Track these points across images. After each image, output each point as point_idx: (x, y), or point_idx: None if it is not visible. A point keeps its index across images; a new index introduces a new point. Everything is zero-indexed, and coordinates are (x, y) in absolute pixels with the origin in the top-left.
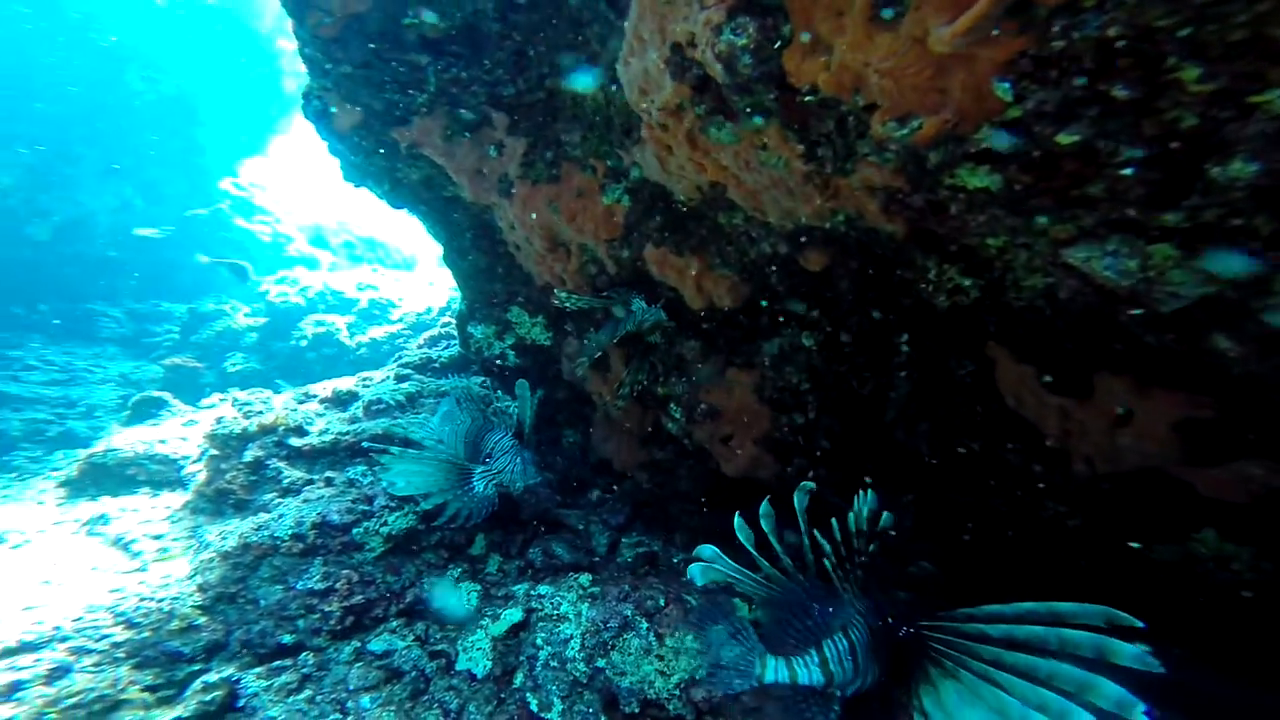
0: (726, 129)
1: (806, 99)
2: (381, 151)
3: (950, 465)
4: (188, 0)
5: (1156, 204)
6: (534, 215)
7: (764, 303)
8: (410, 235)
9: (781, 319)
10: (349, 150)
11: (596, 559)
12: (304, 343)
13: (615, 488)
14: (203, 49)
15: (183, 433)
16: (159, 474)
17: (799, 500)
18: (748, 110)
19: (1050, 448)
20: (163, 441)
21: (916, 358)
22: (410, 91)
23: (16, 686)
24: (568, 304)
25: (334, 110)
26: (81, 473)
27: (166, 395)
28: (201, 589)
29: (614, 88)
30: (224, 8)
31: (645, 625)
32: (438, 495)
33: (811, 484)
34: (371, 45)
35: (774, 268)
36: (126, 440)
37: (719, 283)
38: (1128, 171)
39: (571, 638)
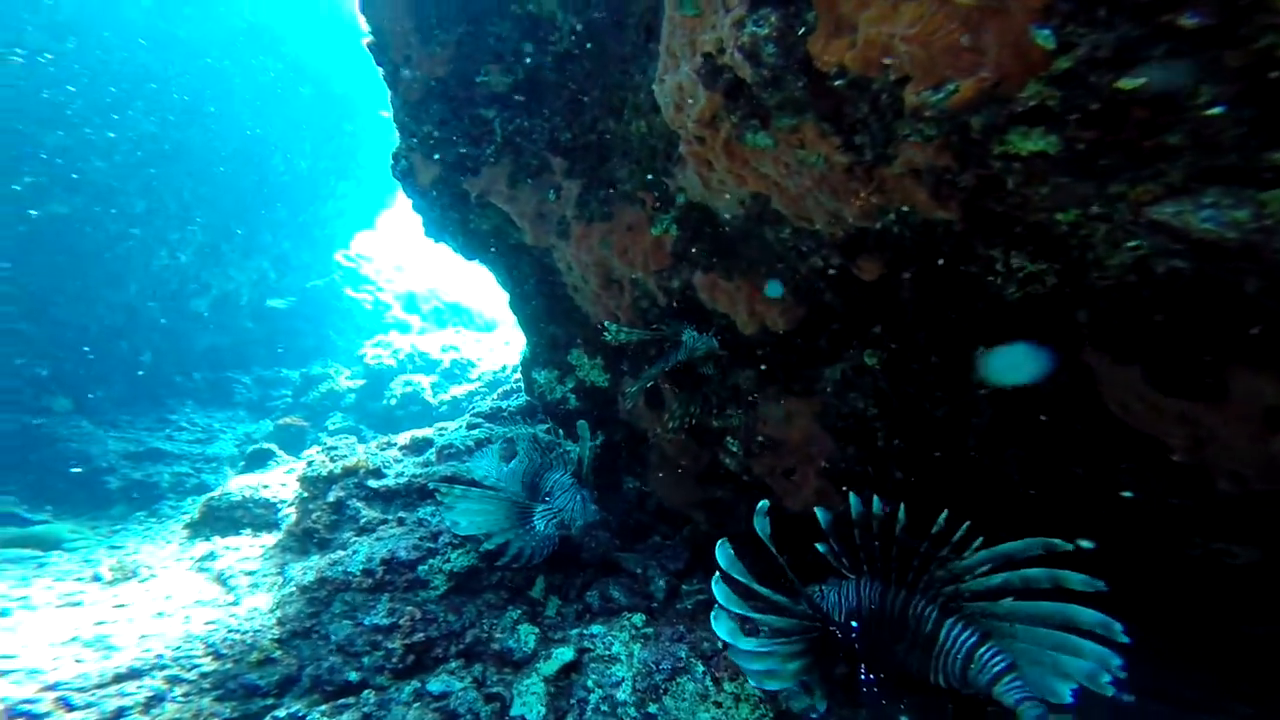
0: (762, 134)
1: (836, 83)
2: (455, 204)
3: (1052, 494)
4: (325, 91)
5: (1260, 143)
6: (588, 254)
7: (820, 323)
8: (491, 299)
9: (841, 339)
10: (428, 205)
11: (654, 604)
12: (393, 401)
13: (676, 533)
14: (331, 134)
15: (283, 479)
16: (260, 517)
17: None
18: (780, 108)
19: (1179, 464)
20: (265, 487)
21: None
22: (480, 144)
23: (121, 713)
24: (619, 338)
25: (416, 168)
26: (200, 516)
27: (274, 447)
28: (280, 622)
29: (657, 116)
30: (349, 95)
31: (701, 669)
32: (499, 534)
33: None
34: (448, 104)
35: (827, 283)
36: (235, 486)
37: (771, 305)
38: (1215, 111)
39: (623, 680)
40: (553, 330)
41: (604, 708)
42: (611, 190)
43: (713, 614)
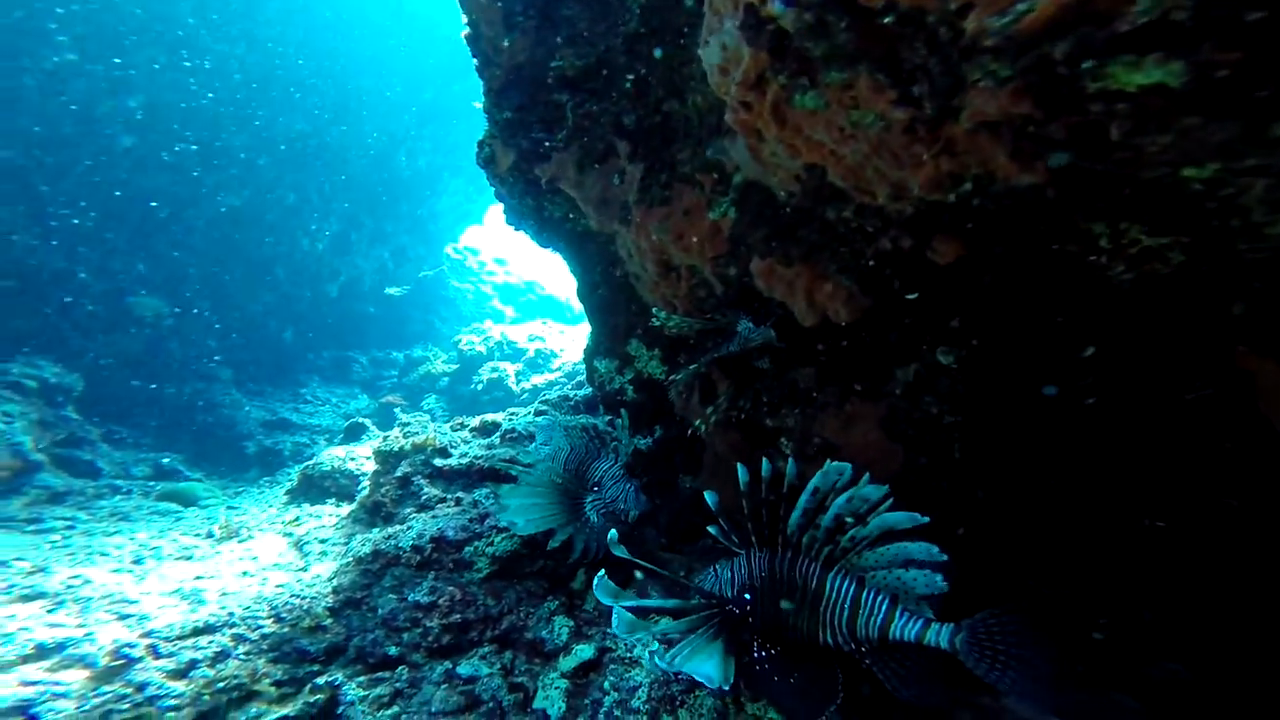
0: (812, 93)
1: (885, 20)
2: (529, 190)
3: (1189, 531)
4: (444, 92)
5: None
6: (646, 240)
7: (889, 315)
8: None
9: (913, 333)
10: (507, 193)
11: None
12: (480, 387)
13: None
14: (448, 132)
15: (368, 453)
16: (345, 488)
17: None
18: (827, 60)
19: None
20: (352, 459)
21: (1111, 377)
22: (552, 129)
23: (193, 664)
24: (669, 326)
25: (496, 155)
26: (299, 484)
27: (368, 421)
28: (335, 591)
29: (710, 86)
30: (465, 95)
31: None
32: (560, 531)
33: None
34: (525, 91)
35: (897, 268)
36: (327, 457)
37: (834, 293)
38: None
39: (640, 686)
40: (614, 320)
41: (617, 713)
42: (672, 172)
43: (616, 624)
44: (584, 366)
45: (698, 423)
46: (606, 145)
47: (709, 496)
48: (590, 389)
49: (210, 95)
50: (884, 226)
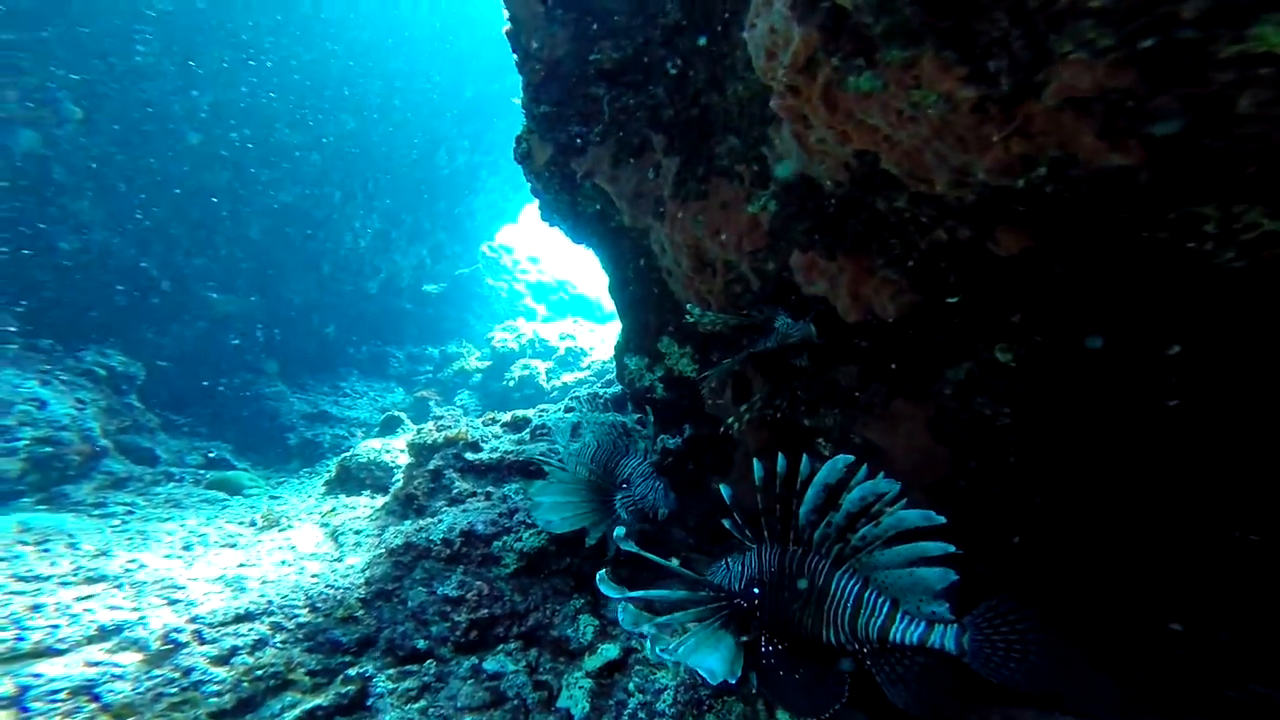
0: (867, 75)
1: None
2: (565, 185)
3: None
4: (483, 91)
5: None
6: (681, 234)
7: (940, 310)
8: (607, 295)
9: (967, 330)
10: (543, 188)
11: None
12: (511, 384)
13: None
14: (485, 130)
15: (403, 445)
16: (380, 479)
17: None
18: (889, 36)
19: None
20: (387, 451)
21: (1201, 376)
22: (589, 123)
23: (234, 651)
24: (704, 322)
25: (533, 150)
26: (336, 475)
27: (404, 415)
28: (368, 582)
29: (754, 74)
30: (504, 93)
31: (755, 687)
32: (594, 530)
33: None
34: (563, 84)
35: (952, 261)
36: (364, 449)
37: (880, 288)
38: None
39: (666, 689)
40: (645, 316)
41: (641, 715)
42: (710, 165)
43: (622, 618)
44: (614, 364)
45: (730, 421)
46: (642, 139)
47: (724, 490)
48: (620, 386)
49: (271, 95)
50: (940, 216)
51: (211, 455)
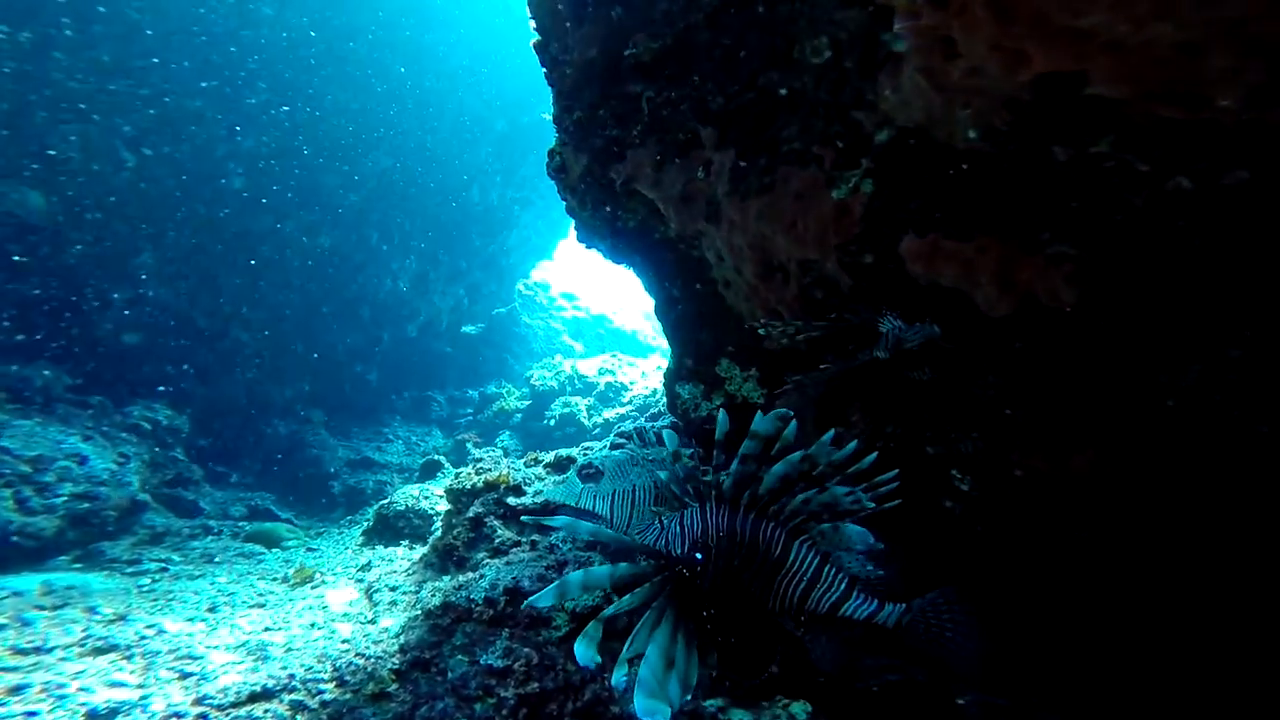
0: None
1: None
2: (603, 198)
3: None
4: (515, 124)
5: None
6: (743, 235)
7: (1151, 292)
8: (647, 324)
9: (1194, 319)
10: (578, 204)
11: (822, 676)
12: (552, 422)
13: None
14: (517, 165)
15: (441, 492)
16: (419, 528)
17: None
18: None
19: None
20: (426, 498)
21: None
22: (627, 124)
23: None
24: (774, 334)
25: (567, 162)
26: (375, 524)
27: (443, 459)
28: (403, 649)
29: (851, 10)
30: (534, 126)
31: None
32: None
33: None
34: (598, 86)
35: (1197, 218)
36: (402, 497)
37: (1049, 269)
38: None
39: None
40: (699, 337)
41: None
42: (774, 155)
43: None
44: (657, 397)
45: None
46: (689, 135)
47: (667, 435)
48: (669, 418)
49: (308, 138)
50: (1187, 156)
51: (258, 505)
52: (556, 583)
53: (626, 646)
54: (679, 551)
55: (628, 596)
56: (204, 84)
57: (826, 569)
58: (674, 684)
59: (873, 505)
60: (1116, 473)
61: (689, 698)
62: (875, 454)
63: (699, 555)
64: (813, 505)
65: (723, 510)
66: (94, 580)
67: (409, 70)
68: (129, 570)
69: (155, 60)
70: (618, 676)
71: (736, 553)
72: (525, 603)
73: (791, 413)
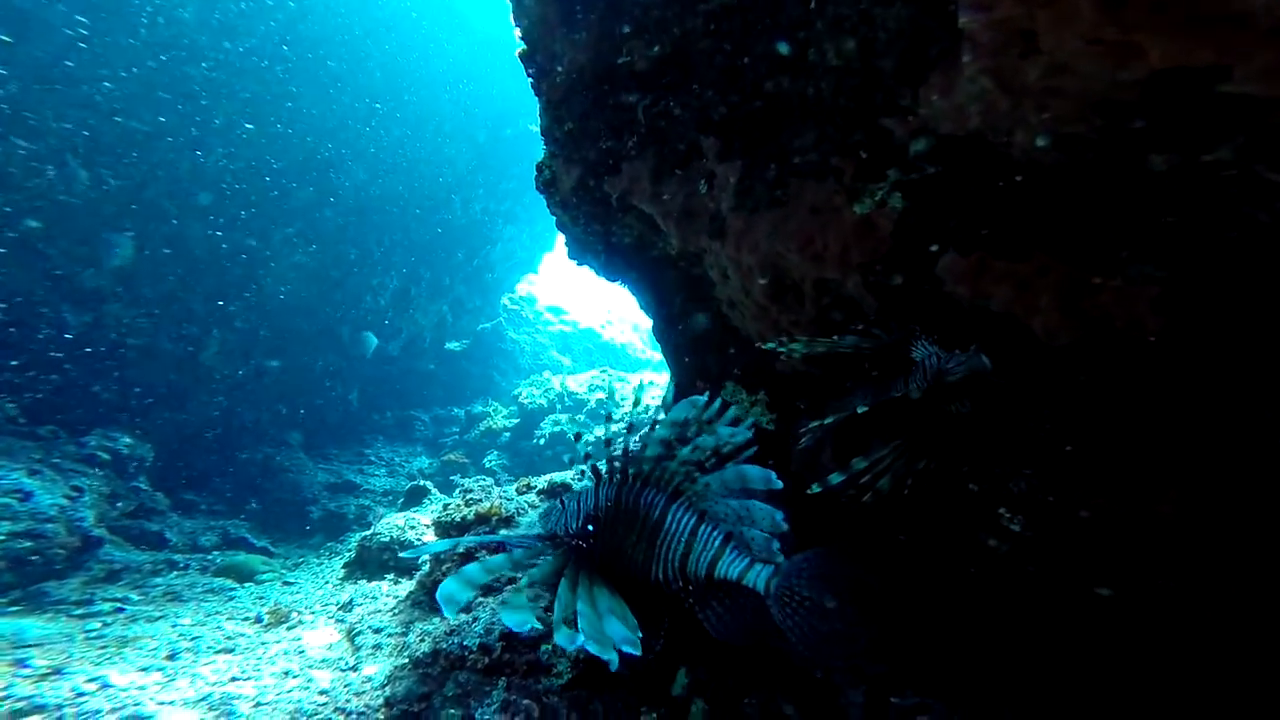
0: None
1: None
2: (596, 213)
3: None
4: (497, 136)
5: None
6: (752, 253)
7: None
8: (637, 337)
9: None
10: (569, 220)
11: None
12: (542, 441)
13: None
14: (500, 177)
15: (428, 521)
16: (404, 561)
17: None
18: None
19: None
20: (412, 528)
21: None
22: (621, 135)
23: None
24: (788, 350)
25: (558, 176)
26: (356, 556)
27: (430, 485)
28: (389, 703)
29: (891, 8)
30: (517, 138)
31: None
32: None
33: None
34: (589, 95)
35: None
36: (385, 527)
37: (1129, 293)
38: None
39: None
40: (701, 360)
41: None
42: (784, 166)
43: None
44: (655, 412)
45: (851, 492)
46: (689, 145)
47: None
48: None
49: (278, 153)
50: None
51: (232, 532)
52: (458, 572)
53: (556, 608)
54: (574, 528)
55: (537, 567)
56: (163, 96)
57: (703, 528)
58: (613, 625)
59: (749, 433)
60: (1212, 518)
61: (638, 631)
62: (736, 408)
63: (590, 528)
64: (694, 456)
65: (612, 484)
66: (30, 626)
67: (386, 82)
68: (77, 613)
69: (106, 72)
70: (559, 637)
71: (620, 521)
72: (438, 595)
73: (720, 401)
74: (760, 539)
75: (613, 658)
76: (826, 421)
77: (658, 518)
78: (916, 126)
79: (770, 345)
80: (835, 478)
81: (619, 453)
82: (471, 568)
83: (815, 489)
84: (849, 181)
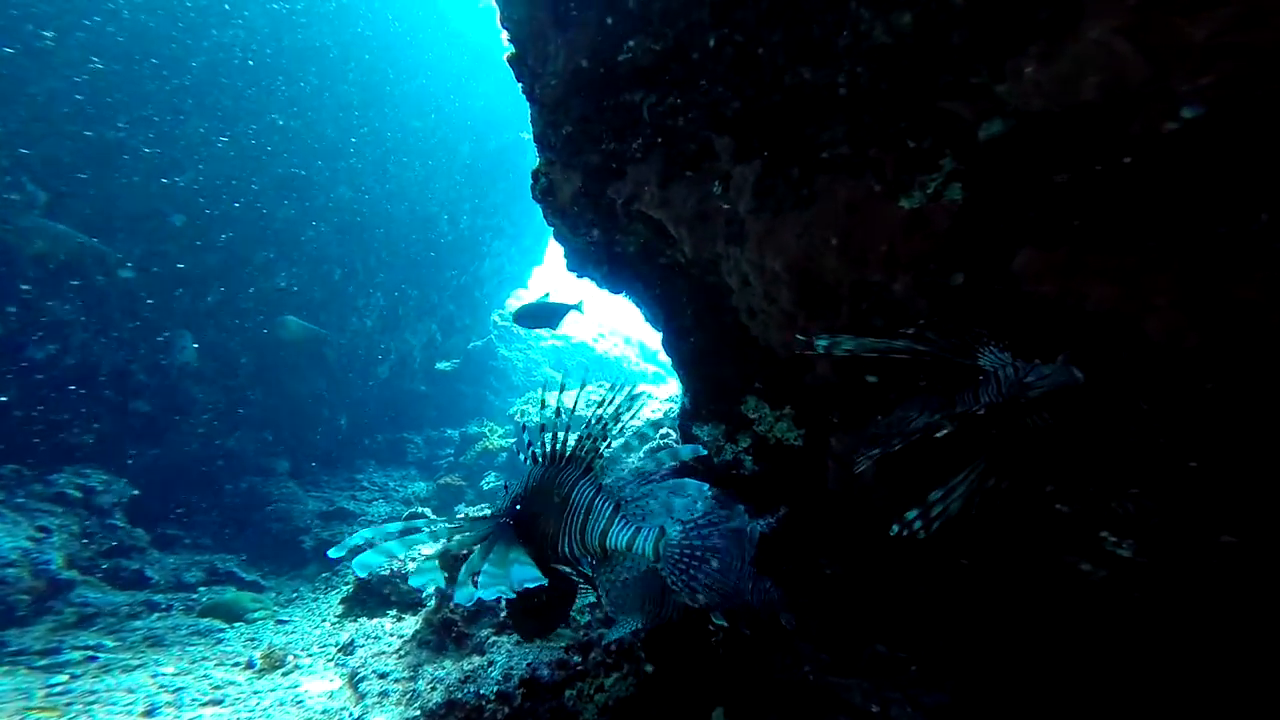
0: None
1: None
2: (598, 221)
3: None
4: (481, 149)
5: None
6: (778, 256)
7: None
8: (632, 351)
9: None
10: (569, 230)
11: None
12: None
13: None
14: (487, 191)
15: (428, 550)
16: (407, 594)
17: None
18: None
19: None
20: (413, 559)
21: None
22: (625, 137)
23: None
24: (839, 349)
25: (556, 184)
26: (355, 591)
27: (428, 510)
28: None
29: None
30: (503, 149)
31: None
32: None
33: None
34: (589, 97)
35: None
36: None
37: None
38: None
39: None
40: (719, 372)
41: None
42: (810, 162)
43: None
44: (655, 430)
45: (911, 518)
46: (700, 145)
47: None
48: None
49: (256, 170)
50: None
51: (220, 567)
52: (379, 545)
53: (463, 571)
54: (505, 507)
55: (458, 536)
56: (138, 113)
57: (598, 500)
58: (518, 570)
59: (652, 395)
60: None
61: (534, 581)
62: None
63: (518, 507)
64: (610, 425)
65: (543, 466)
66: None
67: (368, 96)
68: (40, 664)
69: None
70: (459, 595)
71: (538, 498)
72: (353, 563)
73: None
74: (681, 505)
75: (507, 593)
76: (894, 446)
77: (566, 492)
78: (989, 106)
79: (822, 342)
80: (913, 516)
81: (549, 436)
82: (392, 543)
83: (896, 531)
84: (891, 174)
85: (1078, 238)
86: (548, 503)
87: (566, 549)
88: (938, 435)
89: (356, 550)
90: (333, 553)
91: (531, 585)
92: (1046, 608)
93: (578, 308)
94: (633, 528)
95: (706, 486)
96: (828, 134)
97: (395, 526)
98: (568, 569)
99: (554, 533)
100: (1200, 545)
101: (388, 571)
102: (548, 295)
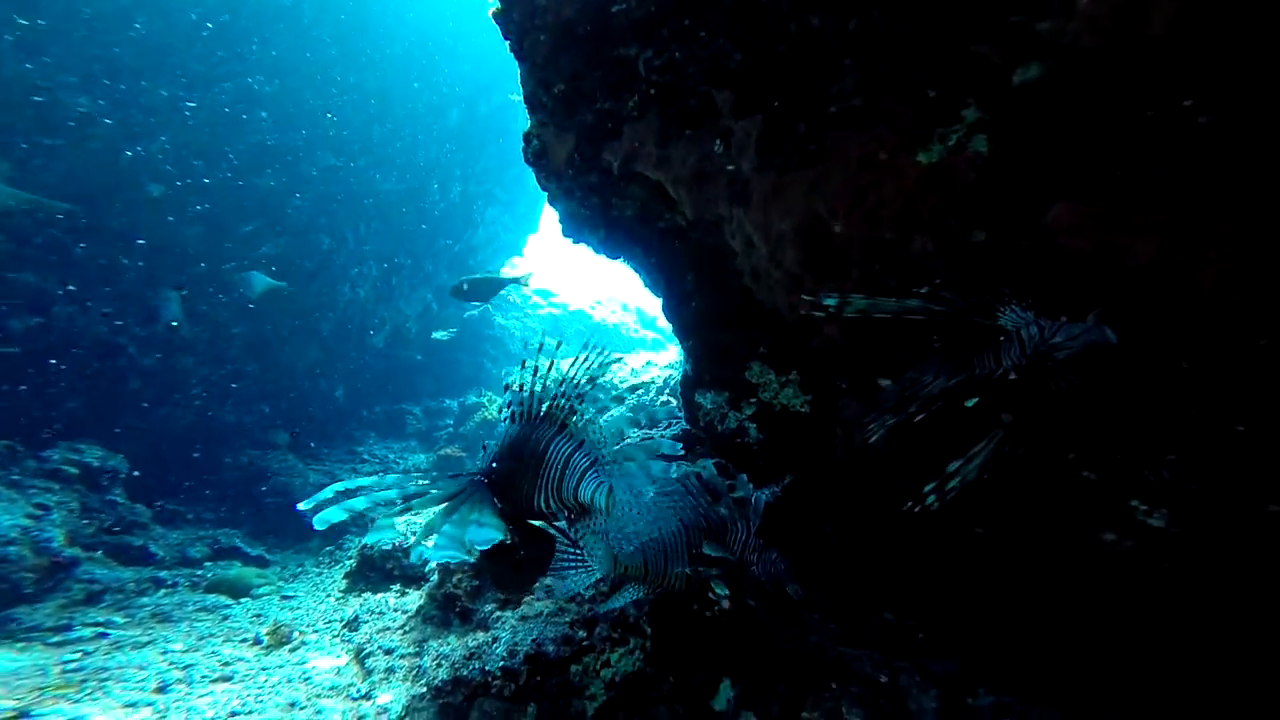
0: None
1: None
2: (594, 185)
3: None
4: (471, 114)
5: None
6: (785, 216)
7: None
8: (630, 317)
9: None
10: (563, 193)
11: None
12: None
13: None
14: (477, 157)
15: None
16: (410, 569)
17: None
18: None
19: None
20: (415, 532)
21: None
22: (621, 95)
23: None
24: (849, 308)
25: (548, 145)
26: (358, 565)
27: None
28: None
29: None
30: (492, 116)
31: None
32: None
33: None
34: (581, 52)
35: None
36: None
37: None
38: None
39: None
40: (722, 338)
41: None
42: (818, 116)
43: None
44: (653, 393)
45: (927, 492)
46: (700, 101)
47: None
48: (680, 427)
49: (232, 137)
50: None
51: (223, 541)
52: (343, 502)
53: (421, 529)
54: (481, 466)
55: (421, 498)
56: (105, 81)
57: (576, 455)
58: (475, 531)
59: (618, 358)
60: None
61: (488, 543)
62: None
63: (494, 465)
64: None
65: (515, 424)
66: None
67: (347, 57)
68: (53, 640)
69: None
70: (413, 554)
71: (514, 456)
72: (314, 520)
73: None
74: (659, 468)
75: (460, 555)
76: (914, 416)
77: (542, 450)
78: (1027, 48)
79: (830, 301)
80: (930, 489)
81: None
82: (357, 500)
83: (911, 506)
84: (908, 126)
85: (1119, 189)
86: (523, 460)
87: (542, 503)
88: (967, 404)
89: (323, 505)
90: (302, 505)
91: (486, 548)
92: (1063, 577)
93: (524, 280)
94: (597, 482)
95: (680, 448)
96: (837, 86)
97: (367, 481)
98: (544, 524)
99: (529, 489)
100: (1245, 515)
101: (390, 546)
102: (498, 271)
